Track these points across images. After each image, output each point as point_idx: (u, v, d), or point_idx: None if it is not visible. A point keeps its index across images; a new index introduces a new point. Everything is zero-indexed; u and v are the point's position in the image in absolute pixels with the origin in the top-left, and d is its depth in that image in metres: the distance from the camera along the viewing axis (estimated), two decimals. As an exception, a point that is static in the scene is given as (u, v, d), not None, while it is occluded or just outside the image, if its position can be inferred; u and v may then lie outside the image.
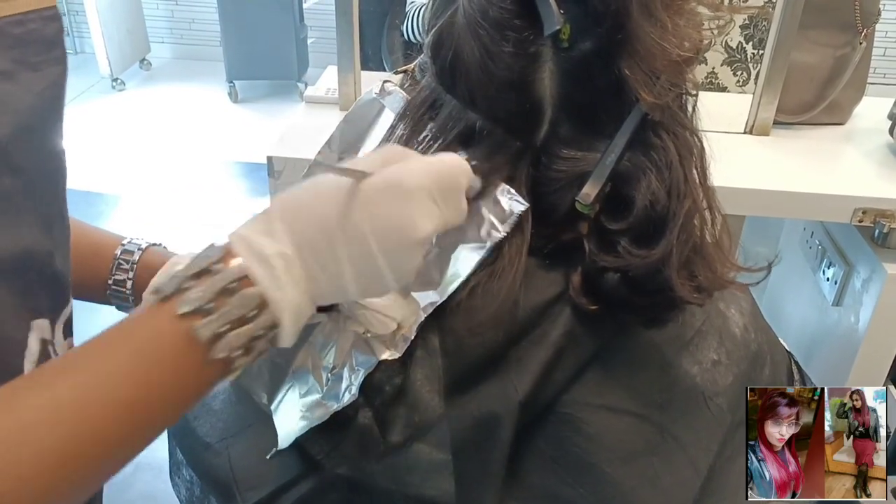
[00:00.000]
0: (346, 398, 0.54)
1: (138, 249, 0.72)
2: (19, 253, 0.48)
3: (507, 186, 0.53)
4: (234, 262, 0.44)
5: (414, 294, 0.55)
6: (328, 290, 0.47)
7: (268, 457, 0.58)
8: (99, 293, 0.72)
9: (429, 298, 0.54)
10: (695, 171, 0.54)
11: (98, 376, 0.41)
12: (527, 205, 0.51)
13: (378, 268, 0.47)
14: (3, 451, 0.37)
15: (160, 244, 0.74)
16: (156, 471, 2.12)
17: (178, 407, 0.45)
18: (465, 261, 0.53)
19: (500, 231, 0.51)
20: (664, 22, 0.50)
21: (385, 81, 0.66)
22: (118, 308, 0.73)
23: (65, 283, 0.55)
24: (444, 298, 0.53)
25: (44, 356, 0.52)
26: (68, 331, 0.58)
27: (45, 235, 0.51)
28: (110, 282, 0.71)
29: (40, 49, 0.48)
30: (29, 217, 0.49)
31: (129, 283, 0.71)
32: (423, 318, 0.54)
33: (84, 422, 0.40)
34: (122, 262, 0.71)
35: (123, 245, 0.72)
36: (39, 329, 0.51)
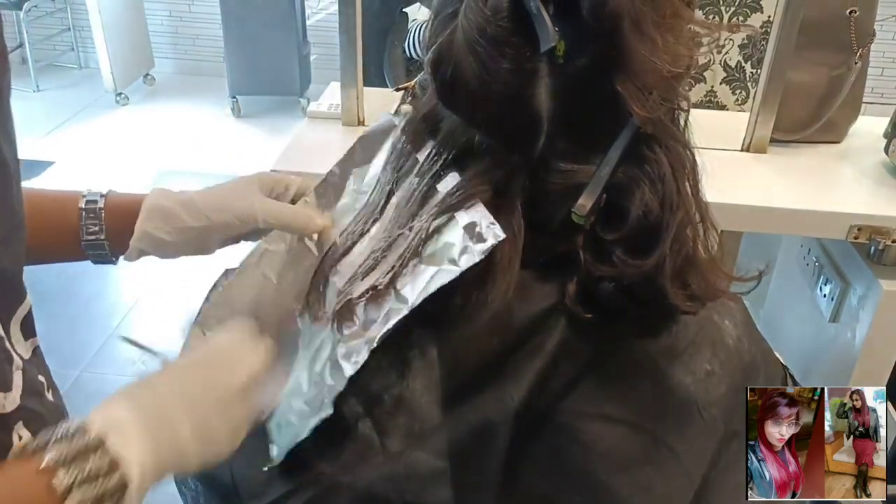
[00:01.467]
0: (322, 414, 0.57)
1: (100, 197, 0.73)
2: None
3: (487, 213, 0.54)
4: (93, 433, 0.47)
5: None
6: (170, 453, 0.51)
7: (264, 468, 0.60)
8: (75, 250, 0.73)
9: (397, 312, 0.56)
10: (687, 184, 0.56)
11: None
12: (504, 235, 0.53)
13: (209, 423, 0.52)
14: None
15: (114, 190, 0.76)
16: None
17: None
18: (436, 280, 0.54)
19: (476, 256, 0.53)
20: (655, 39, 0.52)
21: (401, 104, 0.68)
22: (95, 262, 0.75)
23: (15, 281, 0.56)
24: (409, 309, 0.55)
25: None
26: (28, 331, 0.59)
27: None
28: (84, 236, 0.72)
29: None
30: None
31: (102, 233, 0.72)
32: (388, 329, 0.56)
33: None
34: (88, 214, 0.72)
35: (85, 197, 0.73)
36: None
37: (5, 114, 0.52)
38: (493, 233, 0.53)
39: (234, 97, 4.33)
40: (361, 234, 0.63)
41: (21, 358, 0.58)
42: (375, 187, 0.65)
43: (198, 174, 3.73)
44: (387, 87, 2.25)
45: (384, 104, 0.70)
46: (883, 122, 1.33)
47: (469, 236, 0.53)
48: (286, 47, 4.17)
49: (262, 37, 4.10)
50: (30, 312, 0.59)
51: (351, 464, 0.58)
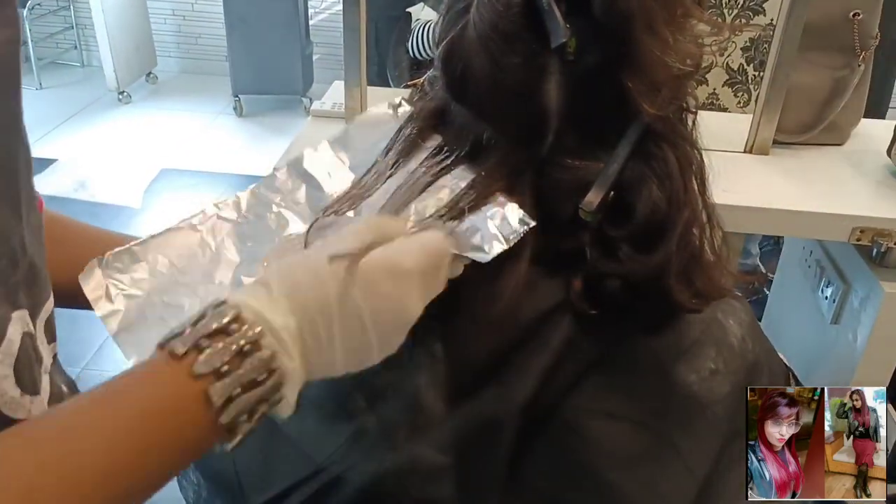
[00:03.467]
0: None
1: None
2: None
3: (516, 205, 0.54)
4: (248, 326, 0.43)
5: None
6: (318, 366, 0.48)
7: None
8: None
9: None
10: (694, 182, 0.56)
11: (94, 438, 0.39)
12: (533, 223, 0.53)
13: (369, 346, 0.48)
14: None
15: None
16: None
17: (172, 471, 0.43)
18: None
19: (504, 244, 0.52)
20: (665, 37, 0.52)
21: (402, 98, 0.68)
22: None
23: (42, 276, 0.53)
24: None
25: (26, 352, 0.48)
26: (50, 335, 0.55)
27: (14, 218, 0.48)
28: None
29: None
30: None
31: None
32: None
33: (76, 486, 0.38)
34: None
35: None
36: (21, 321, 0.48)
37: (17, 84, 0.49)
38: (521, 218, 0.53)
39: (237, 96, 4.34)
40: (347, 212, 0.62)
41: (48, 361, 0.54)
42: (371, 170, 0.64)
43: (200, 173, 3.74)
44: (390, 86, 2.26)
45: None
46: (885, 125, 1.33)
47: (496, 223, 0.53)
48: (289, 47, 4.18)
49: (265, 36, 4.11)
50: (52, 314, 0.56)
51: (355, 459, 0.58)
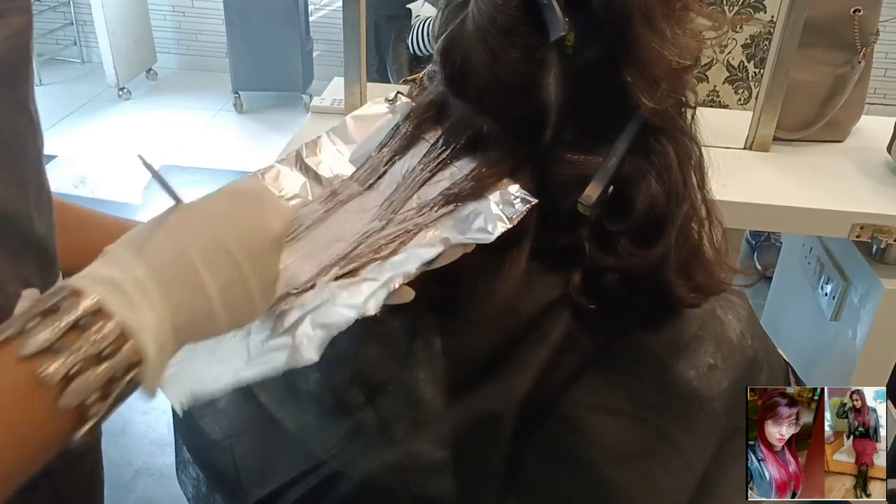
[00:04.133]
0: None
1: None
2: None
3: (518, 186, 0.54)
4: (85, 297, 0.39)
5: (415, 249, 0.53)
6: (193, 310, 0.43)
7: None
8: None
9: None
10: (693, 177, 0.56)
11: None
12: (536, 200, 0.52)
13: (242, 274, 0.44)
14: None
15: None
16: (156, 476, 2.13)
17: (21, 463, 0.38)
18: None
19: (507, 223, 0.51)
20: (664, 31, 0.52)
21: (398, 93, 0.68)
22: None
23: (51, 253, 0.52)
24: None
25: None
26: None
27: (22, 197, 0.47)
28: None
29: None
30: (2, 175, 0.45)
31: None
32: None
33: None
34: None
35: None
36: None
37: (29, 70, 0.49)
38: (523, 198, 0.52)
39: (237, 93, 4.33)
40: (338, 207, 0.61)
41: None
42: (364, 165, 0.64)
43: (200, 170, 3.74)
44: (390, 82, 2.26)
45: (387, 99, 0.70)
46: (886, 122, 1.33)
47: (498, 204, 0.53)
48: (289, 43, 4.17)
49: (265, 33, 4.11)
50: None
51: (354, 454, 0.58)
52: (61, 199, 0.72)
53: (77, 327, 0.38)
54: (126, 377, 0.39)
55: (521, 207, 0.52)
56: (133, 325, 0.39)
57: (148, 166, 0.46)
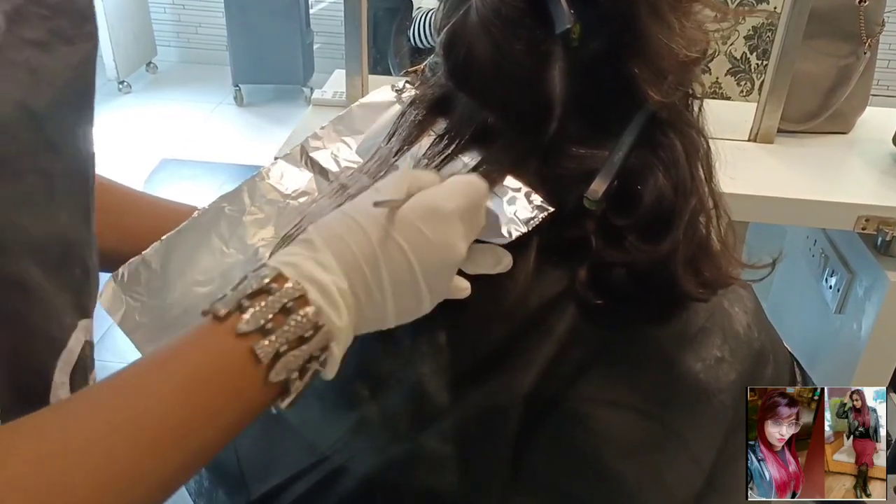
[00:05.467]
0: None
1: None
2: (58, 242, 0.46)
3: (533, 192, 0.53)
4: (289, 283, 0.43)
5: None
6: (370, 317, 0.48)
7: None
8: None
9: None
10: (701, 170, 0.56)
11: (153, 399, 0.40)
12: (552, 209, 0.52)
13: (419, 292, 0.48)
14: (52, 475, 0.36)
15: None
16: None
17: (232, 430, 0.43)
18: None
19: (524, 228, 0.51)
20: (671, 23, 0.51)
21: (406, 82, 0.67)
22: None
23: (98, 283, 0.53)
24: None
25: (83, 361, 0.49)
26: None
27: (85, 226, 0.49)
28: None
29: (75, 21, 0.45)
30: (68, 204, 0.46)
31: None
32: None
33: (138, 448, 0.38)
34: None
35: (199, 210, 0.70)
36: (85, 330, 0.48)
37: (93, 96, 0.50)
38: (539, 204, 0.52)
39: (237, 86, 4.33)
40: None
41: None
42: (373, 156, 0.64)
43: (200, 163, 3.73)
44: (392, 75, 2.25)
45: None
46: (891, 113, 1.32)
47: (513, 208, 0.52)
48: (289, 36, 4.16)
49: (265, 25, 4.10)
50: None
51: (357, 448, 0.57)
52: (104, 179, 0.72)
53: (284, 310, 0.42)
54: (320, 358, 0.44)
55: (537, 213, 0.51)
56: (332, 319, 0.44)
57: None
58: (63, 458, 0.36)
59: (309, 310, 0.43)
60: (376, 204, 0.47)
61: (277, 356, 0.42)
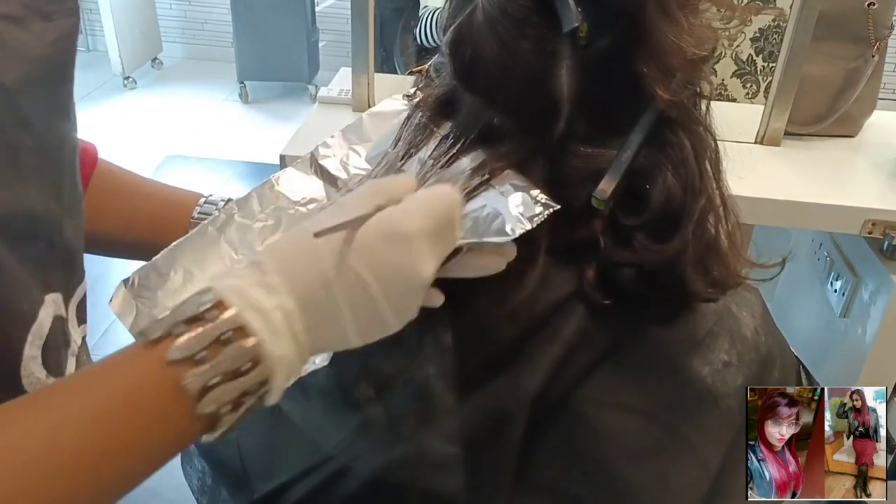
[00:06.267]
0: None
1: (221, 200, 0.72)
2: (23, 215, 0.45)
3: (538, 189, 0.52)
4: (229, 312, 0.41)
5: None
6: (330, 340, 0.46)
7: None
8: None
9: None
10: (709, 169, 0.55)
11: (73, 417, 0.38)
12: (556, 205, 0.51)
13: (382, 313, 0.46)
14: None
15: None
16: (159, 467, 2.13)
17: (154, 460, 0.41)
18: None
19: (528, 225, 0.50)
20: (679, 21, 0.51)
21: (416, 89, 0.66)
22: None
23: (77, 258, 0.53)
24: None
25: (55, 335, 0.48)
26: (82, 316, 0.55)
27: (54, 201, 0.48)
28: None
29: None
30: (36, 178, 0.46)
31: None
32: None
33: (50, 466, 0.36)
34: (202, 216, 0.70)
35: (205, 197, 0.72)
36: (54, 304, 0.47)
37: (72, 74, 0.50)
38: (545, 202, 0.51)
39: (242, 83, 4.33)
40: None
41: (75, 343, 0.54)
42: (381, 162, 0.64)
43: (205, 159, 3.73)
44: (397, 73, 2.24)
45: (395, 90, 0.69)
46: (899, 117, 1.32)
47: (519, 206, 0.51)
48: (295, 33, 4.16)
49: (271, 22, 4.10)
50: (85, 296, 0.55)
51: (362, 449, 0.57)
52: (109, 164, 0.72)
53: (220, 341, 0.40)
54: (258, 393, 0.42)
55: (542, 210, 0.51)
56: (273, 352, 0.41)
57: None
58: None
59: (248, 342, 0.41)
60: (316, 234, 0.44)
61: (207, 389, 0.39)
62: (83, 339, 0.56)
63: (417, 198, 0.48)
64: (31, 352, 0.46)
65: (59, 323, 0.49)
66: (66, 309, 0.51)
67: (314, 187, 0.66)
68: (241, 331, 0.41)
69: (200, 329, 0.40)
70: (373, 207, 0.46)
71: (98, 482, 0.38)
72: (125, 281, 0.63)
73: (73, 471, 0.37)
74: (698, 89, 0.55)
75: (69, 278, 0.52)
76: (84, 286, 0.54)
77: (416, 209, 0.47)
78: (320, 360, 0.53)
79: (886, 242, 1.19)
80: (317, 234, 0.44)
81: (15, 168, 0.44)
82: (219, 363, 0.40)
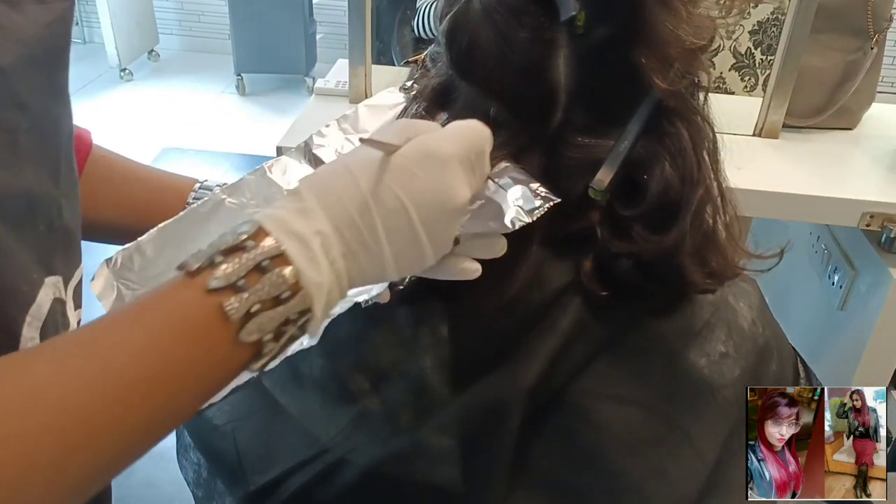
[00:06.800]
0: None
1: (216, 185, 0.71)
2: (22, 197, 0.45)
3: (538, 183, 0.52)
4: (268, 240, 0.41)
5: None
6: (368, 268, 0.45)
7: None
8: None
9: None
10: (707, 159, 0.55)
11: (119, 350, 0.38)
12: (557, 199, 0.51)
13: (419, 240, 0.45)
14: (9, 422, 0.34)
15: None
16: (156, 459, 2.12)
17: (202, 390, 0.41)
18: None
19: (527, 219, 0.50)
20: (678, 10, 0.51)
21: (413, 82, 0.66)
22: None
23: (75, 241, 0.53)
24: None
25: (54, 317, 0.48)
26: (78, 301, 0.55)
27: (52, 183, 0.48)
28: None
29: None
30: (34, 160, 0.45)
31: None
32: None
33: (101, 398, 0.36)
34: (197, 201, 0.70)
35: (200, 183, 0.72)
36: (54, 287, 0.47)
37: (67, 57, 0.50)
38: (544, 195, 0.51)
39: (240, 75, 4.32)
40: None
41: (73, 327, 0.53)
42: None
43: (202, 152, 3.72)
44: (395, 65, 2.24)
45: (392, 82, 0.68)
46: (896, 110, 1.32)
47: (517, 198, 0.51)
48: (292, 25, 4.14)
49: (268, 14, 4.08)
50: (81, 280, 0.55)
51: (358, 441, 0.57)
52: (103, 150, 0.72)
53: (259, 268, 0.40)
54: (298, 321, 0.42)
55: (542, 203, 0.50)
56: (311, 279, 0.41)
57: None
58: (16, 406, 0.35)
59: (287, 270, 0.41)
60: (363, 141, 0.44)
61: (249, 315, 0.40)
62: (79, 322, 0.56)
63: (451, 127, 0.48)
64: (29, 333, 0.46)
65: (59, 305, 0.49)
66: (66, 292, 0.51)
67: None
68: (279, 258, 0.41)
69: (239, 258, 0.40)
70: (403, 139, 0.46)
71: (152, 412, 0.38)
72: (108, 261, 0.62)
73: (128, 402, 0.37)
74: (696, 79, 0.55)
75: (68, 261, 0.51)
76: (81, 270, 0.54)
77: (451, 135, 0.47)
78: (308, 342, 0.52)
79: (884, 235, 1.19)
80: (363, 141, 0.45)
81: (12, 150, 0.44)
82: (258, 291, 0.40)
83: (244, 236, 0.41)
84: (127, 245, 0.63)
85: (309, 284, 0.41)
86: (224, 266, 0.40)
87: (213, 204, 0.65)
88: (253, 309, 0.40)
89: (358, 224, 0.44)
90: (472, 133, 0.48)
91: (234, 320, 0.39)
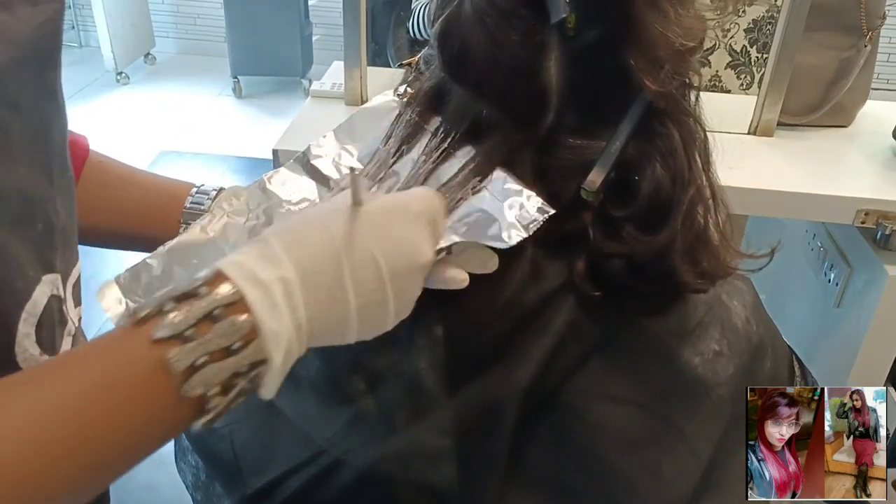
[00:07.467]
0: None
1: (213, 190, 0.72)
2: (15, 194, 0.45)
3: (534, 194, 0.52)
4: (224, 286, 0.39)
5: None
6: (330, 321, 0.44)
7: None
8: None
9: None
10: (698, 160, 0.55)
11: (55, 400, 0.36)
12: (552, 211, 0.51)
13: (385, 293, 0.45)
14: None
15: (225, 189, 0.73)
16: (156, 462, 2.13)
17: (143, 445, 0.39)
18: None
19: (524, 233, 0.50)
20: (667, 11, 0.51)
21: (406, 87, 0.66)
22: None
23: (73, 239, 0.53)
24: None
25: (50, 314, 0.48)
26: (77, 298, 0.55)
27: (45, 182, 0.48)
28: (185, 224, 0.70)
29: None
30: (27, 159, 0.46)
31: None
32: None
33: (33, 448, 0.35)
34: (194, 206, 0.71)
35: (197, 187, 0.73)
36: (51, 284, 0.48)
37: (59, 57, 0.50)
38: (539, 207, 0.51)
39: (236, 77, 4.32)
40: None
41: (73, 324, 0.54)
42: (372, 160, 0.63)
43: (199, 154, 3.72)
44: (390, 67, 2.24)
45: (388, 84, 0.69)
46: (891, 106, 1.32)
47: (514, 211, 0.51)
48: (288, 28, 4.15)
49: (263, 17, 4.08)
50: (80, 278, 0.55)
51: (354, 442, 0.57)
52: (100, 156, 0.73)
53: (210, 317, 0.38)
54: (249, 374, 0.40)
55: (538, 216, 0.50)
56: (270, 328, 0.39)
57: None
58: None
59: (241, 318, 0.39)
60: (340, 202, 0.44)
61: (194, 368, 0.37)
62: (79, 320, 0.57)
63: (412, 191, 0.50)
64: (25, 329, 0.46)
65: (56, 302, 0.50)
66: (64, 289, 0.51)
67: (306, 187, 0.66)
68: (233, 307, 0.39)
69: (190, 305, 0.38)
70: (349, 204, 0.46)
71: (80, 465, 0.37)
72: (116, 278, 0.63)
73: (54, 458, 0.36)
74: (687, 80, 0.55)
75: (65, 258, 0.52)
76: (78, 268, 0.54)
77: (416, 197, 0.48)
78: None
79: (879, 232, 1.19)
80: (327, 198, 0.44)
81: (5, 149, 0.44)
82: (207, 341, 0.38)
83: (199, 283, 0.39)
84: (135, 263, 0.63)
85: (267, 333, 0.39)
86: (173, 314, 0.38)
87: (214, 220, 0.65)
88: (199, 361, 0.38)
89: (326, 272, 0.43)
90: (432, 199, 0.49)
91: (176, 373, 0.37)
